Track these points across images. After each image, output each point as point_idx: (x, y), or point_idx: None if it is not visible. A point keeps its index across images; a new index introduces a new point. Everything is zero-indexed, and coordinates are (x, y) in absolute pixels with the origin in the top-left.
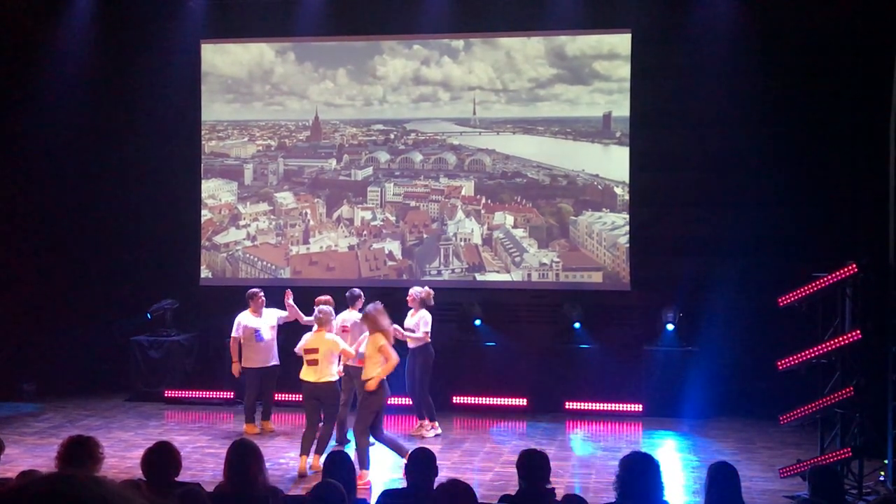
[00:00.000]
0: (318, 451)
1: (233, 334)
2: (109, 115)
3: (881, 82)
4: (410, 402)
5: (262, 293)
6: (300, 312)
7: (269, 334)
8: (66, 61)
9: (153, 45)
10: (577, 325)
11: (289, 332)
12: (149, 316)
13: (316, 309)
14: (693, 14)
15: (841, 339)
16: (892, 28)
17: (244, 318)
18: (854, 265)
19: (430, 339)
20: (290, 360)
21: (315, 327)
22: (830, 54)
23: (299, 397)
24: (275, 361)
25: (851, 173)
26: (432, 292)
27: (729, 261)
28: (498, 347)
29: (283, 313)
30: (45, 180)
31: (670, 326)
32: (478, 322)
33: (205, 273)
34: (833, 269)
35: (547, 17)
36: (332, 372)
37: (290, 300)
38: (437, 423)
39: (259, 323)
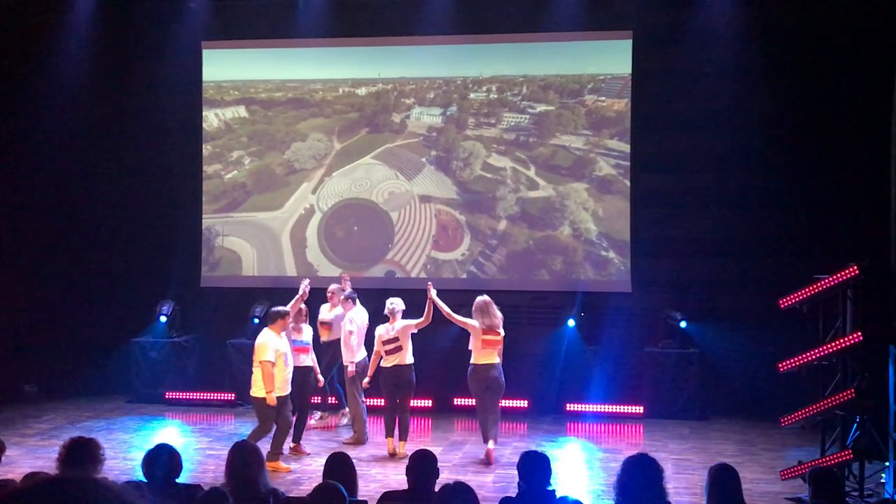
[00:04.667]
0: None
1: (268, 358)
2: (110, 116)
3: (881, 83)
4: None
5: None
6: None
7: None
8: (66, 63)
9: (154, 47)
10: (570, 321)
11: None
12: (163, 319)
13: (389, 302)
14: (694, 15)
15: (842, 341)
16: (892, 29)
17: (274, 341)
18: (855, 267)
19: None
20: None
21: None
22: (830, 54)
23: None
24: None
25: (852, 175)
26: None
27: (730, 262)
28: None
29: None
30: (46, 181)
31: (683, 324)
32: None
33: (206, 272)
34: (834, 270)
35: (548, 19)
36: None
37: (306, 287)
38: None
39: (287, 345)
